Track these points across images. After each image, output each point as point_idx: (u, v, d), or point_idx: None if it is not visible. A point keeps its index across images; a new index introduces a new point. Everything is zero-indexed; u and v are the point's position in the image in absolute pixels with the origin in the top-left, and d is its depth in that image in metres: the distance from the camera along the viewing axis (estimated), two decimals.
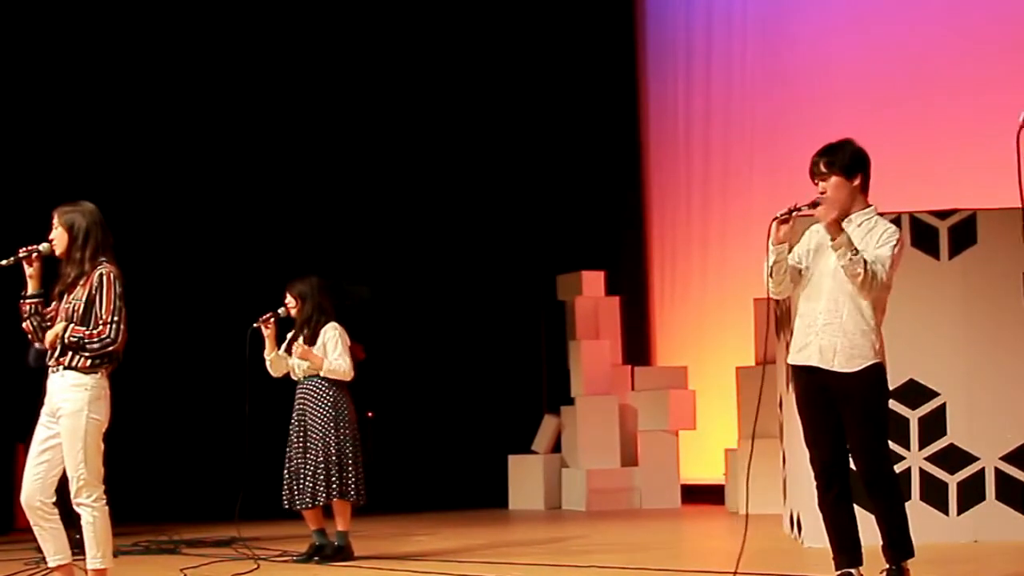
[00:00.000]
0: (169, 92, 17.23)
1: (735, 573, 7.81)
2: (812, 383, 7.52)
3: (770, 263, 7.54)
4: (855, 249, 7.26)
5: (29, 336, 8.23)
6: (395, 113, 17.98)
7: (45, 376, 8.33)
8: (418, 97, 18.08)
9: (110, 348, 7.95)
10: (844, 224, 7.42)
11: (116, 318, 7.96)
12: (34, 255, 8.09)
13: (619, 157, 18.86)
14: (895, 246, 7.44)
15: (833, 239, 7.27)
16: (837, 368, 7.43)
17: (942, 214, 10.71)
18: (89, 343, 7.91)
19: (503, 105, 18.18)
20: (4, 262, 8.04)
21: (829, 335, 7.44)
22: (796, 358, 7.59)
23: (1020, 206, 5.06)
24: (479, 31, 18.24)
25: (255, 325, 10.92)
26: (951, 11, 15.32)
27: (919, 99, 15.10)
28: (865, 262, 7.26)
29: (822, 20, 16.67)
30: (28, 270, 8.13)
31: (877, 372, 7.52)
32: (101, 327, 7.92)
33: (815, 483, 7.59)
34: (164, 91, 17.21)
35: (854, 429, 7.50)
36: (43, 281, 8.16)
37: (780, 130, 16.89)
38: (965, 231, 10.88)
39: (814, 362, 7.48)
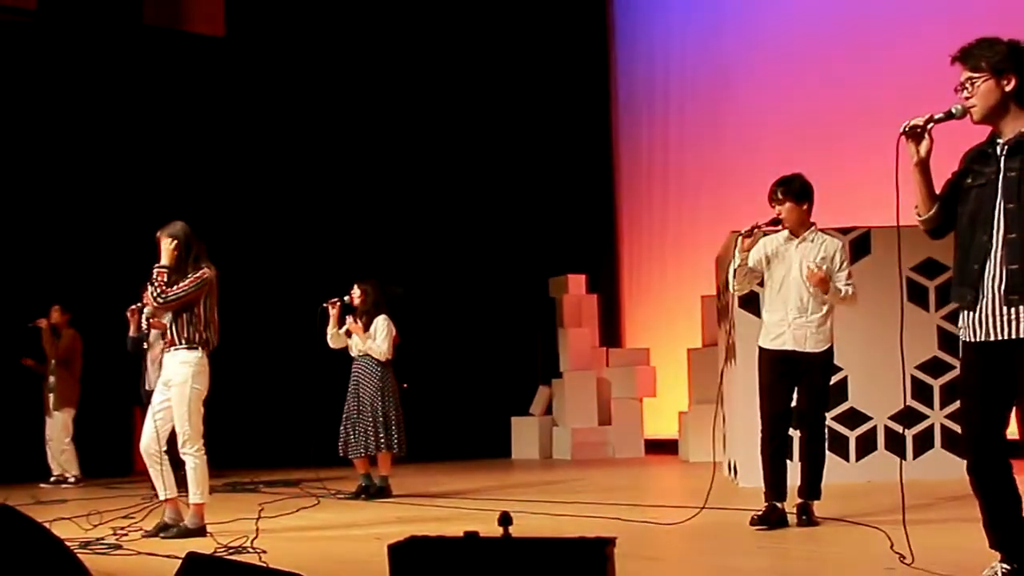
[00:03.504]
0: (242, 121, 17.21)
1: (703, 507, 8.04)
2: (779, 361, 7.75)
3: (735, 266, 7.81)
4: (842, 293, 7.67)
5: (132, 317, 8.41)
6: (425, 146, 18.00)
7: (142, 358, 8.56)
8: (441, 132, 18.10)
9: (159, 301, 8.16)
10: (798, 242, 7.75)
11: (180, 294, 8.14)
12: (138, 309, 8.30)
13: (597, 185, 18.93)
14: (848, 264, 7.89)
15: (827, 293, 7.66)
16: (808, 349, 7.72)
17: (846, 230, 10.95)
18: (156, 290, 8.15)
19: (510, 144, 18.28)
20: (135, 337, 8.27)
21: (801, 327, 7.72)
22: (772, 344, 7.80)
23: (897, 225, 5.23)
24: (483, 73, 18.30)
25: (323, 305, 11.17)
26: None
27: (839, 134, 15.08)
28: (846, 293, 7.69)
29: (762, 69, 16.64)
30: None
31: (831, 352, 7.86)
32: (167, 291, 8.14)
33: (763, 433, 7.76)
34: (240, 120, 17.20)
35: (811, 393, 7.77)
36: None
37: (722, 163, 16.92)
38: (863, 244, 11.15)
39: (789, 347, 7.73)
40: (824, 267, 7.65)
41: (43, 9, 15.78)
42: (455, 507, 9.95)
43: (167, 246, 8.28)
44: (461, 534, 3.68)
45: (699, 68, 17.65)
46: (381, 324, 11.05)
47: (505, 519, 3.67)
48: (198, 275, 8.21)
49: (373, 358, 11.00)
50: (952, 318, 10.67)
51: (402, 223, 17.63)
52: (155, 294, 8.17)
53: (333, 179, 17.48)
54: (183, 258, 8.26)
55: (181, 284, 8.15)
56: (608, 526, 7.77)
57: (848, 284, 7.74)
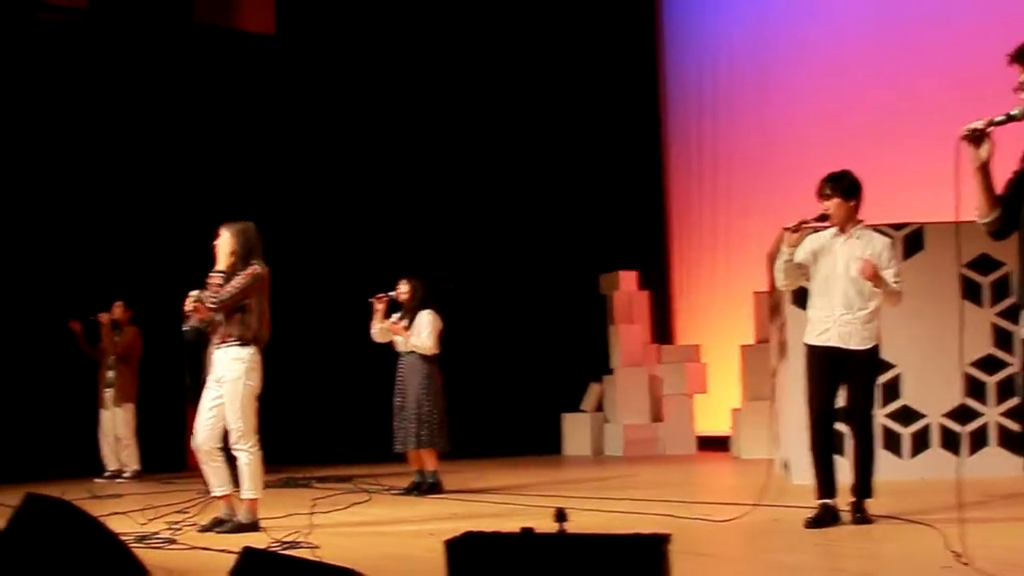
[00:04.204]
0: (304, 127, 17.34)
1: (756, 504, 8.03)
2: (825, 357, 7.71)
3: (783, 262, 7.79)
4: (891, 288, 7.62)
5: (201, 334, 8.48)
6: (477, 143, 18.02)
7: (201, 351, 8.63)
8: (493, 129, 18.12)
9: (213, 307, 8.19)
10: (845, 238, 7.72)
11: (234, 293, 8.19)
12: (196, 301, 8.35)
13: (647, 182, 18.90)
14: (896, 260, 7.82)
15: (880, 287, 7.60)
16: (853, 347, 7.69)
17: (898, 226, 10.91)
18: (209, 294, 8.20)
19: (560, 141, 18.28)
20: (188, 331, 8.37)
21: (847, 324, 7.69)
22: (817, 340, 7.76)
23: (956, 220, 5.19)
24: (534, 69, 18.32)
25: (370, 300, 11.21)
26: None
27: (894, 132, 15.00)
28: (895, 289, 7.64)
29: (812, 65, 16.57)
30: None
31: (877, 350, 7.82)
32: (220, 292, 8.19)
33: (811, 431, 7.72)
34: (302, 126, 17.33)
35: (858, 391, 7.73)
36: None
37: (772, 158, 16.87)
38: (915, 240, 11.08)
39: (834, 343, 7.69)
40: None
41: (94, 8, 15.91)
42: (507, 503, 9.96)
43: (226, 238, 8.35)
44: (517, 530, 3.68)
45: (748, 63, 17.59)
46: (425, 319, 11.05)
47: (561, 515, 3.67)
48: (249, 271, 8.25)
49: (418, 355, 11.02)
50: (1007, 314, 10.61)
51: (453, 219, 17.66)
52: (210, 298, 8.21)
53: (384, 175, 17.53)
54: (239, 253, 8.32)
55: (233, 283, 8.20)
56: (660, 523, 7.74)
57: (896, 281, 7.70)
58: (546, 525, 3.78)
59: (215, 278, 8.23)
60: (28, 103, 15.36)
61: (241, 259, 8.32)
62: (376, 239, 17.04)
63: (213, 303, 8.19)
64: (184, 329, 8.39)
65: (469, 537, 3.74)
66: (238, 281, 8.21)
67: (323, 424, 16.46)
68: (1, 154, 15.11)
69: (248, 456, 8.23)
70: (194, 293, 8.33)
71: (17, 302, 14.90)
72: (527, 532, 3.67)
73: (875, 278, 7.56)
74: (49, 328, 14.42)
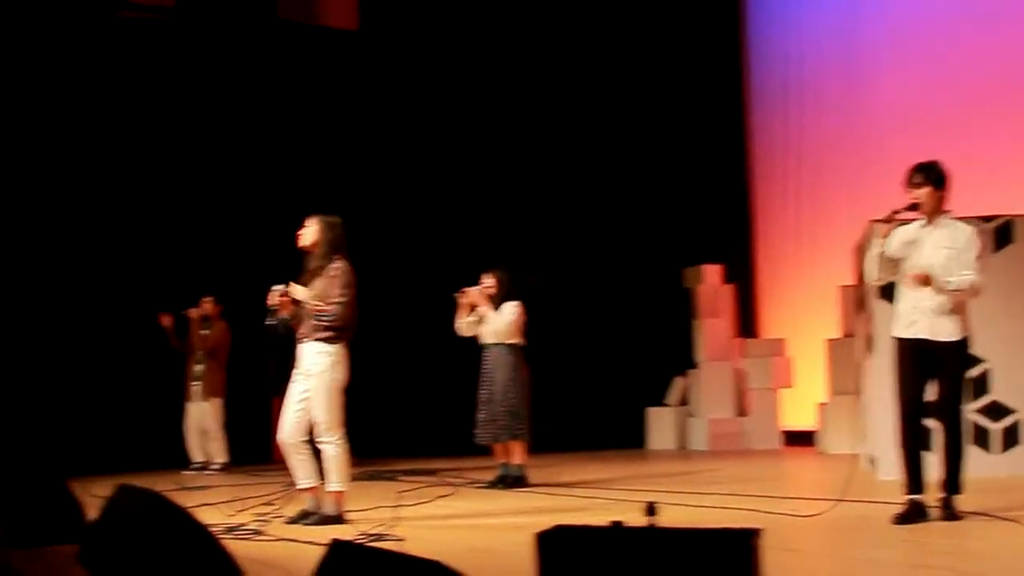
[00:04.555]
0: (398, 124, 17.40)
1: (841, 500, 7.98)
2: (913, 350, 7.65)
3: (875, 255, 7.72)
4: (950, 286, 7.53)
5: (285, 327, 8.54)
6: (560, 136, 17.91)
7: (287, 345, 8.69)
8: (576, 122, 18.01)
9: (336, 323, 8.24)
10: (931, 228, 7.64)
11: (341, 300, 8.27)
12: (283, 294, 8.43)
13: (731, 174, 18.76)
14: (975, 252, 7.71)
15: (929, 283, 7.52)
16: (943, 339, 7.61)
17: (988, 219, 10.76)
18: (322, 316, 8.24)
19: (644, 134, 18.20)
20: (270, 320, 8.43)
21: (934, 316, 7.62)
22: (906, 332, 7.71)
23: None
24: (617, 62, 18.19)
25: (454, 295, 11.24)
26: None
27: (984, 123, 14.83)
28: (957, 286, 7.52)
29: (900, 55, 16.40)
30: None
31: (966, 343, 7.73)
32: (330, 306, 8.27)
33: (900, 425, 7.66)
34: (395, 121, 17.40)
35: (948, 384, 7.65)
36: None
37: (858, 150, 16.71)
38: (1005, 233, 10.93)
39: (923, 335, 7.63)
40: (928, 271, 7.52)
41: (180, 6, 16.07)
42: (592, 497, 9.93)
43: (314, 230, 8.40)
44: (606, 524, 3.68)
45: (834, 53, 17.41)
46: (509, 307, 11.10)
47: (651, 509, 3.66)
48: (337, 269, 8.29)
49: (504, 346, 11.04)
50: None
51: (538, 213, 17.63)
52: (322, 318, 8.25)
53: (468, 169, 17.55)
54: (325, 246, 8.36)
55: (335, 292, 8.24)
56: (745, 517, 7.71)
57: (964, 275, 7.56)
58: (631, 519, 3.77)
59: (318, 308, 8.28)
60: (113, 101, 15.54)
61: (326, 253, 8.36)
62: (460, 232, 17.05)
63: (328, 319, 8.23)
64: (269, 323, 8.43)
65: (559, 530, 3.74)
66: (338, 289, 8.26)
67: (408, 417, 16.50)
68: (92, 153, 15.31)
69: (334, 449, 8.28)
70: (278, 287, 8.39)
71: (109, 297, 15.10)
72: (617, 525, 3.66)
73: (928, 284, 7.49)
74: (140, 323, 14.59)
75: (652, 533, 3.59)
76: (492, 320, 11.11)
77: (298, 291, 8.33)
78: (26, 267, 14.66)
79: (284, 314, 8.44)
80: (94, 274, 15.12)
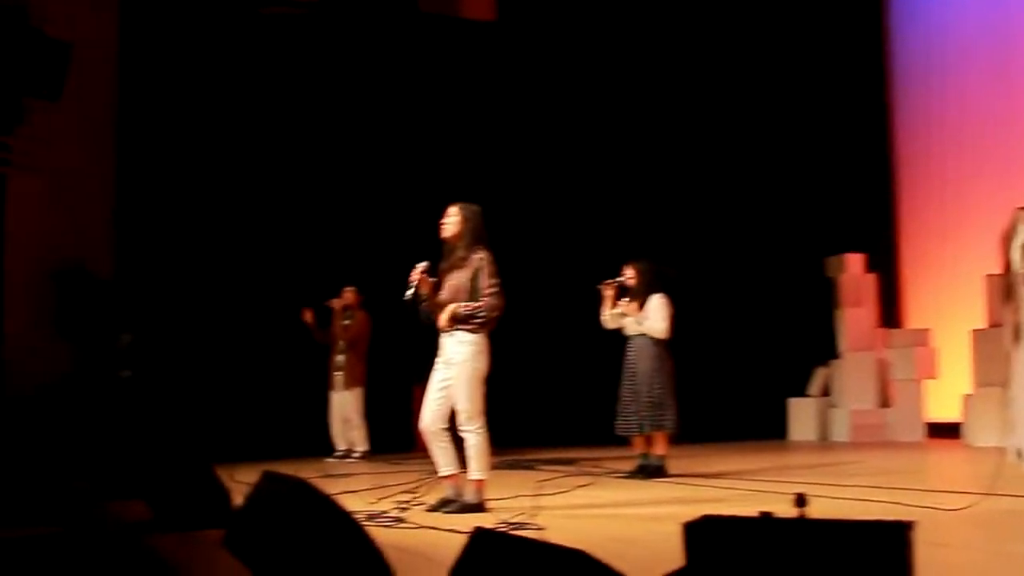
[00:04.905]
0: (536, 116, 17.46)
1: (988, 493, 7.80)
2: None
3: (1022, 243, 7.56)
4: None
5: (421, 305, 8.55)
6: (701, 125, 17.90)
7: (432, 332, 8.70)
8: (716, 110, 17.99)
9: (494, 314, 8.29)
10: None
11: (494, 290, 8.30)
12: (423, 273, 8.43)
13: (874, 161, 18.52)
14: None
15: None
16: None
17: None
18: (477, 312, 8.26)
19: (785, 121, 18.04)
20: (408, 294, 8.41)
21: None
22: None
23: None
24: (757, 48, 18.12)
25: (598, 286, 11.20)
26: None
27: None
28: None
29: None
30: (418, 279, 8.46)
31: None
32: (484, 300, 8.29)
33: None
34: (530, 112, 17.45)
35: None
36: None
37: (1005, 136, 16.40)
38: None
39: None
40: None
41: (322, 1, 16.25)
42: (733, 488, 9.84)
43: (457, 219, 8.39)
44: (754, 514, 3.63)
45: (980, 37, 17.08)
46: (657, 303, 11.01)
47: (801, 500, 3.60)
48: (481, 259, 8.29)
49: (649, 337, 10.97)
50: None
51: (678, 203, 17.56)
52: (478, 315, 8.26)
53: (608, 159, 17.53)
54: (468, 235, 8.36)
55: (489, 289, 8.24)
56: (889, 510, 7.57)
57: None
58: (778, 510, 3.71)
59: (448, 287, 8.29)
60: (254, 96, 15.77)
61: (469, 243, 8.36)
62: (602, 222, 17.04)
63: (483, 315, 8.25)
64: (408, 297, 8.39)
65: (708, 520, 3.70)
66: (489, 283, 8.25)
67: (548, 407, 16.56)
68: (233, 147, 15.55)
69: (475, 437, 8.29)
70: (421, 265, 8.39)
71: (257, 289, 15.39)
72: (766, 516, 3.61)
73: None
74: (285, 313, 14.77)
75: (803, 524, 3.53)
76: (641, 315, 11.05)
77: (447, 310, 8.30)
78: (178, 259, 14.95)
79: (423, 291, 8.42)
80: (242, 265, 15.39)
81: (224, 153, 15.49)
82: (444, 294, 8.38)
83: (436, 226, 8.52)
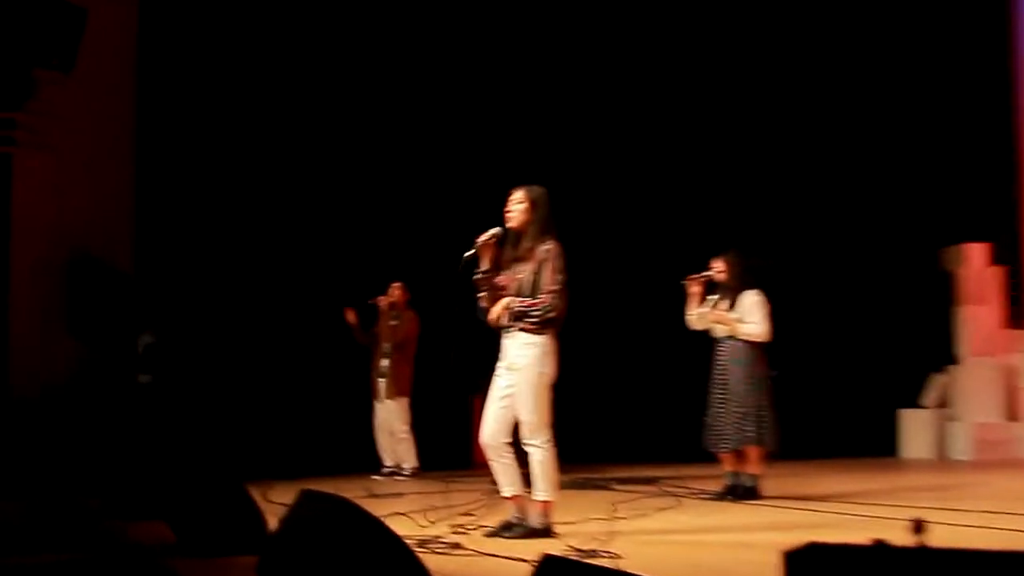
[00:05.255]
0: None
1: None
2: None
3: None
4: None
5: (482, 303, 8.54)
6: (812, 108, 17.80)
7: (494, 337, 8.69)
8: (827, 94, 17.87)
9: (551, 315, 8.23)
10: None
11: (556, 288, 8.24)
12: (493, 240, 8.40)
13: (998, 141, 18.37)
14: None
15: None
16: None
17: None
18: (532, 311, 8.21)
19: (901, 99, 17.93)
20: (468, 254, 8.37)
21: None
22: None
23: None
24: (876, 31, 17.94)
25: (682, 282, 11.14)
26: None
27: None
28: None
29: None
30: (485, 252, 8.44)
31: None
32: (543, 296, 8.25)
33: None
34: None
35: None
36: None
37: None
38: None
39: None
40: None
41: None
42: (834, 512, 9.79)
43: (525, 206, 8.35)
44: (868, 542, 3.58)
45: None
46: (750, 300, 10.94)
47: (918, 526, 3.56)
48: (548, 252, 8.24)
49: (740, 341, 10.91)
50: None
51: (775, 188, 17.49)
52: (534, 312, 8.24)
53: (698, 142, 17.49)
54: (537, 221, 8.32)
55: (550, 287, 8.20)
56: (1016, 539, 7.51)
57: None
58: (891, 538, 3.67)
59: (513, 281, 8.27)
60: (295, 70, 15.85)
61: (537, 234, 8.31)
62: (688, 209, 17.01)
63: (540, 313, 8.21)
64: (467, 257, 8.34)
65: (812, 548, 3.65)
66: (550, 272, 8.22)
67: (624, 419, 16.52)
68: (269, 126, 15.60)
69: (541, 452, 8.26)
70: (494, 230, 8.37)
71: (292, 286, 15.42)
72: (881, 544, 3.56)
73: None
74: (325, 315, 14.81)
75: (922, 554, 3.48)
76: (733, 314, 10.99)
77: (501, 302, 8.29)
78: (205, 250, 15.03)
79: (484, 259, 8.38)
80: (278, 258, 15.45)
81: (258, 132, 15.52)
82: (503, 280, 8.36)
83: (499, 214, 8.48)
